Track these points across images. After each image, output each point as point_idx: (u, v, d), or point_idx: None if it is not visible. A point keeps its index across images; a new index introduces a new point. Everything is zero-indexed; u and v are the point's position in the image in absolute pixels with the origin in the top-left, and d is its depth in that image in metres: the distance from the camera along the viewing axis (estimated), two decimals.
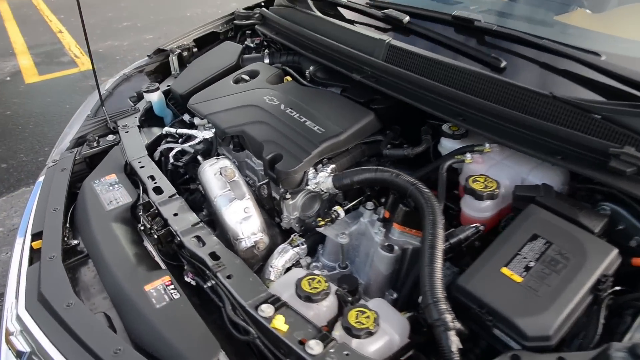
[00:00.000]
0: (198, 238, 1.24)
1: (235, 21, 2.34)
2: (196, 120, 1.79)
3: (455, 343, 0.93)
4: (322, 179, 1.35)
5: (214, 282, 1.13)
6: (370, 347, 0.98)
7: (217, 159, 1.50)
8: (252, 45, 2.16)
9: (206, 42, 2.34)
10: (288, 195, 1.40)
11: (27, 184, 3.36)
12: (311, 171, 1.38)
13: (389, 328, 1.01)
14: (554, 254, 1.00)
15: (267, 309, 1.01)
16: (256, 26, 2.13)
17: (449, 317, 0.95)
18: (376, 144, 1.50)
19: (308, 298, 1.04)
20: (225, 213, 1.34)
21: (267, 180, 1.42)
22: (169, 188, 1.43)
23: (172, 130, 1.76)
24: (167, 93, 2.01)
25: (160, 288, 1.13)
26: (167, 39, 2.30)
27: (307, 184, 1.38)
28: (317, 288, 1.06)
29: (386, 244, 1.26)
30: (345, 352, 0.93)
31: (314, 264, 1.41)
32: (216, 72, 1.93)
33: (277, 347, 0.98)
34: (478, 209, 1.19)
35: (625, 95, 1.18)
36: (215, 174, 1.42)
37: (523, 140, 1.20)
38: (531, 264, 1.00)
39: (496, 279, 0.99)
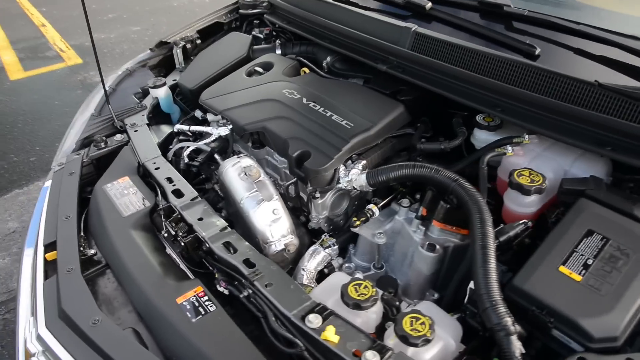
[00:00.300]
0: (228, 244, 1.17)
1: (240, 10, 2.25)
2: (209, 117, 1.71)
3: (518, 348, 0.88)
4: (355, 177, 1.29)
5: (250, 291, 1.07)
6: (426, 355, 0.93)
7: (238, 158, 1.42)
8: (261, 35, 2.07)
9: (210, 33, 2.25)
10: (317, 194, 1.34)
11: (20, 186, 3.24)
12: (342, 168, 1.32)
13: (444, 333, 0.96)
14: (613, 250, 0.96)
15: (314, 320, 0.96)
16: (265, 15, 2.05)
17: (509, 320, 0.90)
18: (406, 138, 1.44)
19: (357, 305, 0.99)
20: (254, 216, 1.27)
21: (295, 179, 1.36)
22: (189, 190, 1.35)
23: (184, 127, 1.68)
24: (173, 88, 1.92)
25: (193, 300, 1.07)
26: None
27: (338, 182, 1.32)
28: (365, 294, 1.00)
29: (427, 243, 1.21)
30: None
31: (346, 264, 1.36)
32: (226, 64, 1.84)
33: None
34: (524, 204, 1.14)
35: None
36: (240, 175, 1.35)
37: (567, 131, 1.15)
38: (589, 262, 0.96)
39: (554, 278, 0.95)
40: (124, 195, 1.40)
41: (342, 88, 1.54)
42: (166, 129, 1.79)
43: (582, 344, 0.89)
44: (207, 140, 1.61)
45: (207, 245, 1.17)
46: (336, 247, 1.34)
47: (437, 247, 1.19)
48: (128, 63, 2.09)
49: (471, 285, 1.07)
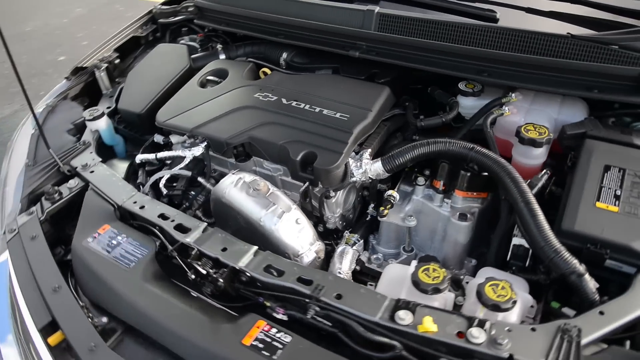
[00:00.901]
0: (269, 267, 1.07)
1: (160, 20, 2.04)
2: (174, 139, 1.54)
3: (593, 284, 0.96)
4: (368, 166, 1.27)
5: (317, 308, 1.00)
6: (512, 316, 0.96)
7: (234, 174, 1.31)
8: (194, 43, 1.91)
9: (128, 50, 2.01)
10: (332, 194, 1.29)
11: None
12: (351, 162, 1.28)
13: (519, 290, 1.00)
14: (632, 178, 1.09)
15: (405, 316, 0.93)
16: (195, 20, 1.89)
17: (576, 263, 0.97)
18: (396, 119, 1.45)
19: (436, 290, 0.98)
20: (279, 231, 1.19)
21: (306, 183, 1.29)
22: (195, 223, 1.21)
23: (149, 156, 1.49)
24: (110, 116, 1.69)
25: (262, 337, 0.96)
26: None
27: (351, 176, 1.28)
28: (438, 277, 1.00)
29: (458, 213, 1.24)
30: (507, 328, 0.90)
31: (374, 256, 1.34)
32: (171, 80, 1.67)
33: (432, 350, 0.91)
34: (534, 157, 1.23)
35: (618, 25, 1.30)
36: (248, 192, 1.24)
37: (556, 83, 1.26)
38: (618, 193, 1.07)
39: (596, 214, 1.04)
40: (113, 246, 1.20)
41: (316, 81, 1.50)
42: (120, 164, 1.58)
43: (634, 264, 0.99)
44: (181, 165, 1.45)
45: (248, 274, 1.06)
46: (361, 241, 1.32)
47: (469, 215, 1.23)
48: (45, 98, 1.78)
49: (515, 241, 1.14)
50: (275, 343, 0.95)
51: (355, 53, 1.47)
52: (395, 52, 1.44)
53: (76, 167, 1.45)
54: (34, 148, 1.55)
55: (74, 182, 1.42)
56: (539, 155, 1.22)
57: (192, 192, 1.46)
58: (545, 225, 1.02)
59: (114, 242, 1.22)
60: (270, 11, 1.65)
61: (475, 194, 1.26)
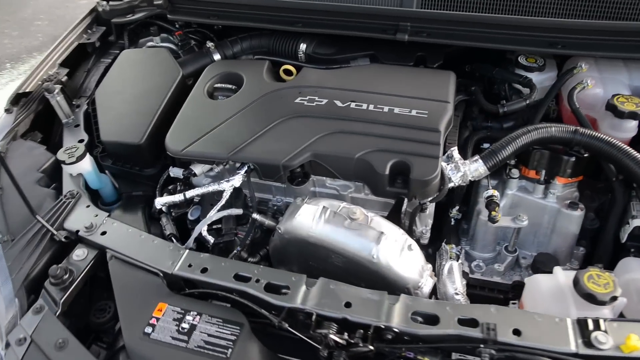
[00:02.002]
0: (416, 315, 0.87)
1: (114, 20, 1.62)
2: (197, 169, 1.22)
3: None
4: (467, 168, 1.10)
5: (493, 352, 0.83)
6: None
7: (310, 204, 1.06)
8: (170, 44, 1.55)
9: (74, 63, 1.58)
10: (453, 212, 1.11)
11: None
12: (446, 165, 1.11)
13: None
14: None
15: (604, 338, 0.80)
16: (169, 16, 1.52)
17: None
18: (459, 106, 1.29)
19: (613, 298, 0.87)
20: (400, 264, 0.98)
21: (418, 202, 1.08)
22: (284, 276, 0.95)
23: (175, 198, 1.16)
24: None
25: None
26: None
27: (449, 182, 1.10)
28: (607, 283, 0.88)
29: (568, 202, 1.14)
30: None
31: (473, 264, 1.20)
32: (166, 95, 1.32)
33: None
34: (628, 129, 1.16)
35: None
36: (344, 224, 1.00)
37: (625, 47, 1.19)
38: None
39: None
40: (188, 331, 0.90)
41: (364, 75, 1.27)
42: (123, 213, 1.22)
43: None
44: (222, 201, 1.15)
45: (397, 330, 0.85)
46: (462, 251, 1.17)
47: (580, 204, 1.13)
48: None
49: (636, 223, 1.07)
50: None
51: (404, 36, 1.27)
52: (448, 30, 1.27)
53: (77, 231, 1.08)
54: (1, 215, 1.14)
55: (82, 253, 1.06)
56: (633, 127, 1.16)
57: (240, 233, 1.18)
58: None
59: (185, 325, 0.91)
60: None
61: (573, 179, 1.17)
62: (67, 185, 1.22)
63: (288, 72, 1.35)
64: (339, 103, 1.19)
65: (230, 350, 0.87)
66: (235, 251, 1.12)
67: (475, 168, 1.10)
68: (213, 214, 1.11)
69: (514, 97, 1.33)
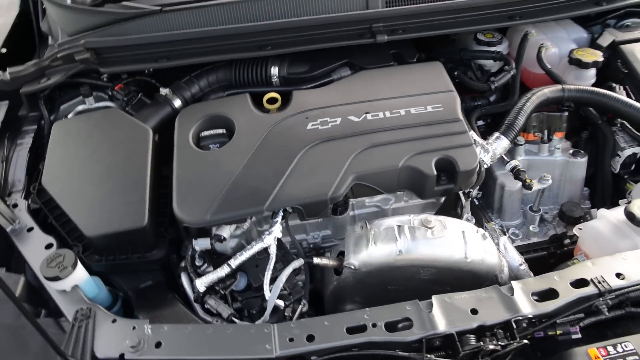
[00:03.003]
0: (535, 294, 0.90)
1: (23, 90, 1.30)
2: (225, 232, 1.07)
3: None
4: (494, 147, 1.16)
5: (608, 302, 0.90)
6: None
7: (373, 228, 1.01)
8: (111, 103, 1.32)
9: None
10: (474, 193, 1.15)
11: None
12: (477, 149, 1.15)
13: None
14: None
15: None
16: (102, 69, 1.28)
17: None
18: None
19: None
20: (490, 255, 1.01)
21: (456, 193, 1.10)
22: (396, 310, 0.89)
23: (221, 273, 1.01)
24: None
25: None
26: None
27: (484, 165, 1.15)
28: None
29: (573, 151, 1.28)
30: None
31: (510, 232, 1.28)
32: (148, 161, 1.13)
33: None
34: (589, 77, 1.34)
35: None
36: (427, 236, 0.98)
37: (562, 9, 1.37)
38: None
39: None
40: None
41: (359, 85, 1.24)
42: (158, 313, 1.02)
43: None
44: (273, 258, 1.03)
45: (531, 316, 0.87)
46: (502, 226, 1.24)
47: (582, 151, 1.28)
48: None
49: (627, 152, 1.26)
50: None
51: (383, 37, 1.26)
52: (419, 23, 1.30)
53: (122, 355, 0.87)
54: None
55: None
56: (593, 75, 1.35)
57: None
58: None
59: None
60: (242, 20, 1.26)
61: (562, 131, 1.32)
62: (67, 305, 0.97)
63: (272, 101, 1.26)
64: (354, 118, 1.15)
65: None
66: (302, 305, 1.02)
67: (502, 145, 1.17)
68: (283, 277, 0.99)
69: (477, 73, 1.45)
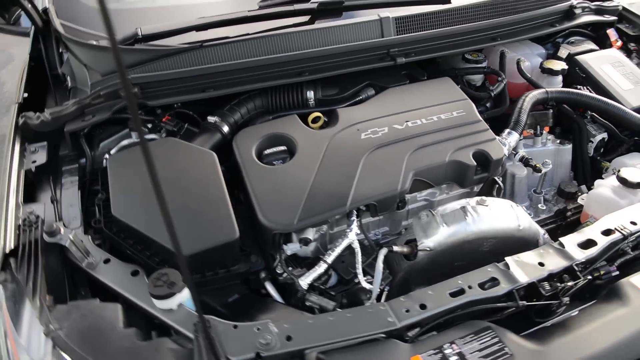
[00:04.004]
0: (580, 245, 1.14)
1: (67, 129, 1.32)
2: (310, 234, 1.19)
3: None
4: (508, 141, 1.43)
5: (630, 244, 1.18)
6: None
7: (438, 214, 1.20)
8: (156, 135, 1.39)
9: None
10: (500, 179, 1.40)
11: None
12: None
13: None
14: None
15: None
16: (150, 103, 1.35)
17: None
18: None
19: None
20: (533, 220, 1.24)
21: (493, 179, 1.34)
22: (480, 274, 1.08)
23: (320, 270, 1.13)
24: None
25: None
26: None
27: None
28: (636, 173, 1.34)
29: (558, 141, 1.60)
30: None
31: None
32: (221, 179, 1.23)
33: None
34: (557, 83, 1.70)
35: None
36: (487, 212, 1.19)
37: (525, 31, 1.74)
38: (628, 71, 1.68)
39: (629, 92, 1.62)
40: (465, 358, 0.95)
41: (391, 99, 1.46)
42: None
43: None
44: (359, 252, 1.18)
45: (589, 258, 1.11)
46: None
47: (566, 140, 1.61)
48: None
49: (598, 137, 1.61)
50: None
51: (402, 59, 1.51)
52: (426, 46, 1.58)
53: (258, 355, 0.95)
54: None
55: None
56: (560, 81, 1.71)
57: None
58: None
59: (455, 357, 0.96)
60: (281, 51, 1.43)
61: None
62: (178, 321, 1.02)
63: (315, 120, 1.43)
64: (398, 126, 1.36)
65: (505, 348, 0.97)
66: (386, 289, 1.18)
67: (513, 138, 1.45)
68: (380, 264, 1.14)
69: (467, 85, 1.75)
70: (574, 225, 1.50)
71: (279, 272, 1.23)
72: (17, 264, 1.07)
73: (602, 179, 1.49)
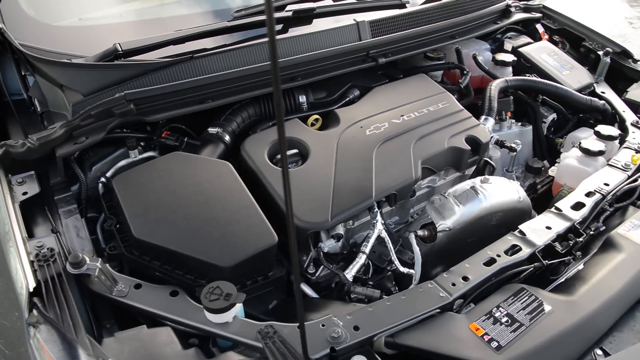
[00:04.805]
0: (574, 208, 1.32)
1: (60, 153, 1.21)
2: (340, 230, 1.24)
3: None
4: (487, 125, 1.59)
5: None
6: None
7: (450, 196, 1.32)
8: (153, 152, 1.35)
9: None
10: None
11: None
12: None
13: None
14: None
15: None
16: (147, 119, 1.31)
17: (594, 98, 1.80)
18: None
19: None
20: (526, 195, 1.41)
21: (485, 161, 1.49)
22: (500, 244, 1.21)
23: (361, 260, 1.18)
24: None
25: None
26: None
27: None
28: (597, 144, 1.58)
29: (520, 124, 1.81)
30: None
31: None
32: (245, 187, 1.23)
33: None
34: (509, 73, 1.92)
35: None
36: (498, 188, 1.33)
37: (484, 26, 1.95)
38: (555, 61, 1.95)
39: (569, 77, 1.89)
40: (514, 318, 1.06)
41: (380, 98, 1.57)
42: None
43: None
44: (389, 240, 1.25)
45: (583, 218, 1.29)
46: None
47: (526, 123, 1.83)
48: None
49: (550, 118, 1.86)
50: None
51: (382, 59, 1.62)
52: (398, 47, 1.70)
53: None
54: None
55: None
56: (511, 71, 1.93)
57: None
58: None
59: (505, 318, 1.07)
60: (266, 59, 1.45)
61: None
62: (237, 332, 1.01)
63: (314, 122, 1.48)
64: (396, 121, 1.46)
65: (544, 303, 1.10)
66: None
67: (490, 123, 1.62)
68: (416, 248, 1.22)
69: None
70: (545, 196, 1.71)
71: (310, 272, 1.25)
72: (45, 302, 0.98)
73: (561, 152, 1.73)
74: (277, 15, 1.62)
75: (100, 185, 1.32)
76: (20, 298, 0.99)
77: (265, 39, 1.52)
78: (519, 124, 1.84)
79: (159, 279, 1.13)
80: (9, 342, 1.05)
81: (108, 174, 1.32)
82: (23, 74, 1.48)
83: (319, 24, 1.65)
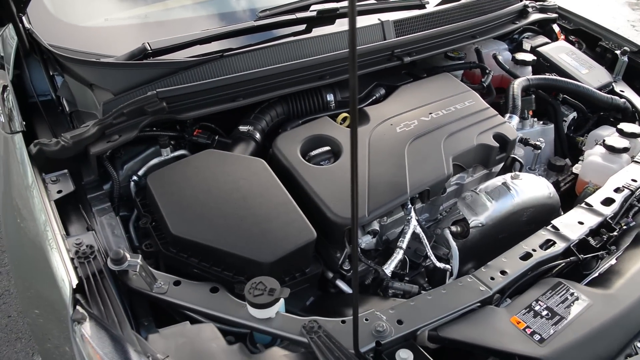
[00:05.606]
0: (603, 203, 1.34)
1: (94, 152, 1.22)
2: (375, 226, 1.25)
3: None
4: (512, 122, 1.61)
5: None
6: None
7: (482, 192, 1.33)
8: (185, 151, 1.36)
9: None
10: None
11: None
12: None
13: None
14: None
15: None
16: (179, 117, 1.32)
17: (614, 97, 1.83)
18: None
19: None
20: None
21: (513, 158, 1.51)
22: (536, 239, 1.23)
23: (399, 256, 1.19)
24: None
25: None
26: None
27: None
28: (620, 141, 1.60)
29: (541, 122, 1.83)
30: None
31: None
32: (280, 184, 1.24)
33: None
34: (529, 72, 1.94)
35: None
36: (525, 184, 1.34)
37: (503, 26, 1.98)
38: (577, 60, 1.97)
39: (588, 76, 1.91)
40: (554, 311, 1.07)
41: (408, 96, 1.59)
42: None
43: None
44: (424, 236, 1.26)
45: (611, 214, 1.30)
46: None
47: (548, 121, 1.85)
48: None
49: (571, 116, 1.89)
50: None
51: (408, 58, 1.64)
52: (422, 46, 1.72)
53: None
54: None
55: (406, 355, 0.99)
56: (530, 70, 1.96)
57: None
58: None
59: (545, 312, 1.08)
60: (301, 57, 1.47)
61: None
62: (282, 328, 1.01)
63: (343, 120, 1.50)
64: (425, 118, 1.48)
65: (582, 296, 1.11)
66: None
67: (514, 120, 1.64)
68: (452, 243, 1.23)
69: None
70: (568, 193, 1.73)
71: (345, 268, 1.26)
72: (88, 299, 0.99)
73: (583, 151, 1.75)
74: (302, 15, 1.64)
75: (132, 183, 1.33)
76: (64, 295, 1.00)
77: (290, 39, 1.54)
78: (541, 122, 1.86)
79: (196, 275, 1.14)
80: (55, 337, 1.05)
81: (140, 172, 1.33)
82: (51, 74, 1.49)
83: (344, 25, 1.68)
